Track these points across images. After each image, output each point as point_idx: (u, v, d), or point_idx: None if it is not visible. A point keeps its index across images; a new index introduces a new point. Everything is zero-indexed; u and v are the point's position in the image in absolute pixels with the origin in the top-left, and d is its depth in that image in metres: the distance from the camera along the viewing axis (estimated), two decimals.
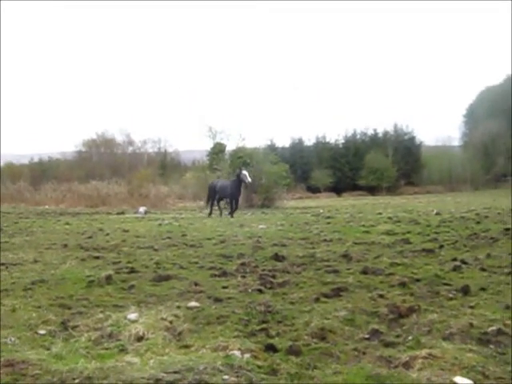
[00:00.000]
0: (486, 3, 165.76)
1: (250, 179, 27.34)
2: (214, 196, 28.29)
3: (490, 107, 77.22)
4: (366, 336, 5.64)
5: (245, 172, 27.27)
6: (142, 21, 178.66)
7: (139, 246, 13.63)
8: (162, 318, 6.22)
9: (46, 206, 39.90)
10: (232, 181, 28.07)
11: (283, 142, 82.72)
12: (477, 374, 4.50)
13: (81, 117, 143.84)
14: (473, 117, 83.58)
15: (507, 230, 14.59)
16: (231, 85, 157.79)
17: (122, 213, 32.04)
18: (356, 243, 13.10)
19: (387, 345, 5.35)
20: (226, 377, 4.46)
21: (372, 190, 72.60)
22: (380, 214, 24.37)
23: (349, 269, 9.52)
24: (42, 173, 64.68)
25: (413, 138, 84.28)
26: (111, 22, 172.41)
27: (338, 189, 73.14)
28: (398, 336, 5.64)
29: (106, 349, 5.39)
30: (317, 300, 7.19)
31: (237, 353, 5.02)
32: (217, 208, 28.68)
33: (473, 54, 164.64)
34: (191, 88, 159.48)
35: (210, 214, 27.75)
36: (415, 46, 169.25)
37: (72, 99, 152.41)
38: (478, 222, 17.69)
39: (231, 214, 26.56)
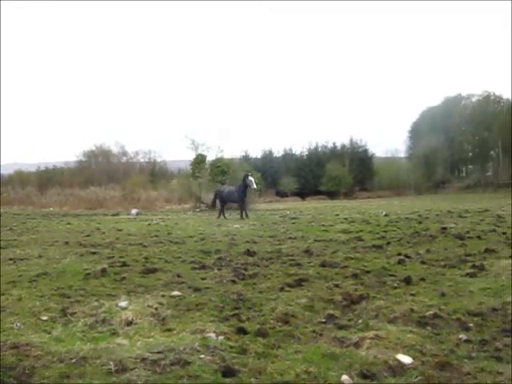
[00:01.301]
0: (427, 33, 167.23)
1: (255, 185, 25.82)
2: (222, 201, 26.57)
3: (431, 124, 77.86)
4: (323, 320, 5.67)
5: (251, 178, 25.49)
6: (132, 36, 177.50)
7: (131, 243, 13.57)
8: (149, 306, 6.22)
9: (51, 209, 39.54)
10: (238, 186, 26.03)
11: (256, 153, 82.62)
12: (416, 352, 4.56)
13: (82, 130, 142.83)
14: (416, 132, 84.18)
15: (444, 229, 14.76)
16: (212, 103, 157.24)
17: (117, 214, 31.78)
18: (316, 240, 13.12)
19: (341, 327, 5.40)
20: (202, 356, 4.48)
21: (331, 195, 72.77)
22: (337, 215, 24.43)
23: (310, 262, 9.55)
24: (47, 179, 63.98)
25: (366, 150, 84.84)
26: (106, 41, 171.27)
27: (302, 193, 73.15)
28: (350, 320, 5.69)
29: (100, 332, 5.40)
30: (282, 289, 7.22)
31: (212, 335, 5.04)
32: (218, 211, 26.75)
33: (416, 77, 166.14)
34: (178, 105, 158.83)
35: (224, 217, 25.38)
36: (366, 71, 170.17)
37: (74, 115, 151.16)
38: (420, 222, 17.83)
39: (241, 215, 24.70)
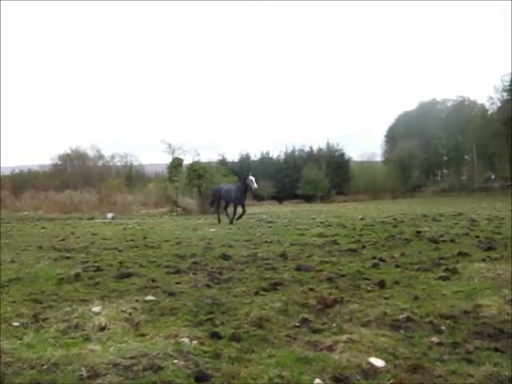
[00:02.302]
0: (403, 38, 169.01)
1: (256, 185, 23.00)
2: (219, 200, 24.56)
3: (407, 129, 78.71)
4: (297, 324, 5.68)
5: (251, 177, 22.81)
6: (107, 37, 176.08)
7: (106, 247, 13.47)
8: (123, 311, 6.17)
9: (25, 212, 38.98)
10: (237, 186, 23.81)
11: (233, 157, 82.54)
12: (388, 355, 4.59)
13: (57, 134, 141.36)
14: (392, 137, 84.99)
15: (418, 232, 14.93)
16: (189, 106, 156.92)
17: (92, 218, 31.54)
18: (292, 244, 13.15)
19: (315, 331, 5.40)
20: (175, 361, 4.47)
21: (308, 199, 72.96)
22: (314, 219, 24.52)
23: (285, 266, 9.58)
24: (22, 183, 63.02)
25: (342, 154, 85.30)
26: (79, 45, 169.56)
27: (279, 197, 73.21)
28: (324, 324, 5.70)
29: (72, 338, 5.33)
30: (256, 293, 7.22)
31: (186, 340, 5.02)
32: (215, 212, 25.07)
33: (392, 82, 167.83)
34: (155, 108, 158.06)
35: (219, 220, 23.54)
36: (343, 76, 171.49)
37: (50, 118, 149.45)
38: (395, 226, 17.98)
39: (232, 220, 22.68)
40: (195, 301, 6.81)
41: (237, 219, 22.57)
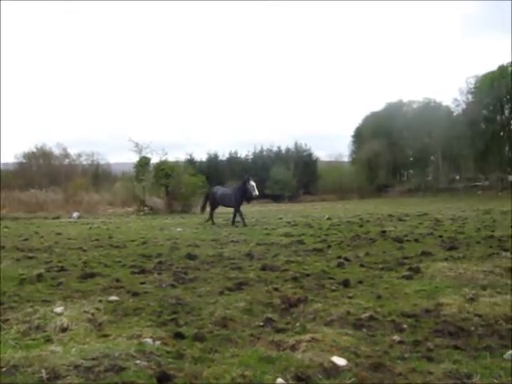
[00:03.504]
0: (371, 38, 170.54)
1: (257, 192, 21.56)
2: (214, 204, 23.13)
3: (374, 129, 79.30)
4: (261, 323, 5.70)
5: (253, 183, 21.32)
6: (73, 33, 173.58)
7: (70, 247, 13.33)
8: (85, 311, 6.11)
9: None
10: (236, 189, 22.32)
11: (201, 156, 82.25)
12: (350, 353, 4.64)
13: (22, 131, 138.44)
14: (359, 137, 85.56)
15: (384, 232, 15.12)
16: (156, 104, 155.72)
17: (57, 217, 31.12)
18: (258, 244, 13.19)
19: (278, 331, 5.42)
20: (138, 361, 4.44)
21: (276, 198, 73.03)
22: (281, 218, 24.64)
23: (251, 266, 9.59)
24: None
25: (310, 155, 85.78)
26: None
27: (247, 197, 73.23)
28: (287, 323, 5.73)
29: (33, 339, 5.24)
30: (221, 293, 7.22)
31: (149, 340, 4.99)
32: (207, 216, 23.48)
33: (360, 82, 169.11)
34: (121, 106, 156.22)
35: (213, 222, 22.39)
36: (311, 76, 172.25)
37: (14, 115, 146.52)
38: (361, 226, 18.20)
39: (233, 221, 21.50)
40: (159, 301, 6.79)
41: (234, 222, 21.37)
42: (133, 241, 14.72)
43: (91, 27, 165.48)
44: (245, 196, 21.83)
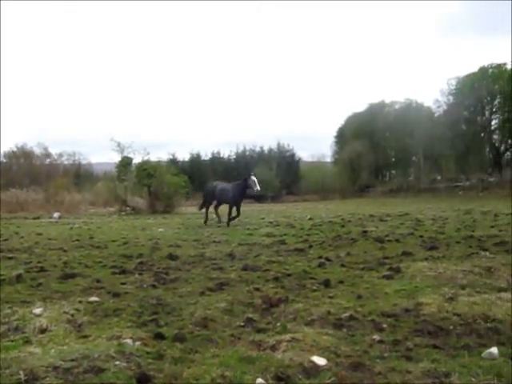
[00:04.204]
0: (354, 39, 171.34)
1: (258, 187, 20.47)
2: (211, 201, 22.10)
3: (356, 130, 79.58)
4: (242, 324, 5.71)
5: (254, 178, 20.29)
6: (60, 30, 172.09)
7: (50, 247, 13.22)
8: (65, 312, 6.09)
9: None
10: (235, 184, 21.19)
11: (183, 156, 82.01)
12: (330, 353, 4.67)
13: (2, 131, 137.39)
14: (342, 137, 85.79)
15: (365, 232, 15.20)
16: (139, 104, 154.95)
17: (38, 218, 30.81)
18: (240, 244, 13.19)
19: (259, 331, 5.44)
20: (117, 362, 4.43)
21: (259, 199, 72.71)
22: (263, 218, 24.64)
23: (232, 266, 9.59)
24: None
25: (293, 155, 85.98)
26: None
27: None
28: (268, 323, 5.75)
29: (12, 341, 5.20)
30: (202, 293, 7.21)
31: (129, 341, 4.98)
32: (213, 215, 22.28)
33: (343, 83, 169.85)
34: (103, 106, 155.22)
35: (206, 221, 21.54)
36: (294, 76, 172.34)
37: None
38: (343, 226, 18.27)
39: (229, 222, 20.45)
40: (140, 301, 6.77)
41: (230, 221, 20.43)
42: (114, 241, 14.64)
43: (74, 26, 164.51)
44: (244, 194, 21.02)
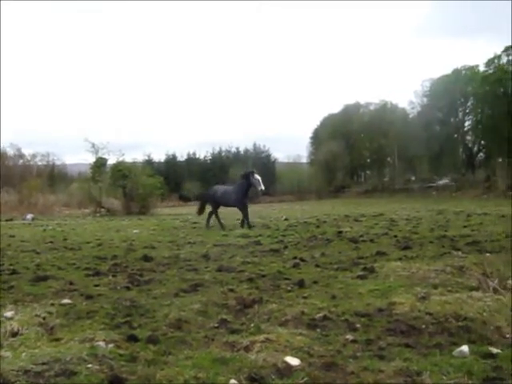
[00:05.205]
0: (329, 40, 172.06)
1: (263, 186, 19.47)
2: (214, 206, 20.57)
3: (332, 131, 79.99)
4: (216, 325, 5.71)
5: (258, 176, 19.35)
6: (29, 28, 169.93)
7: (23, 249, 13.10)
8: (37, 315, 6.02)
9: None
10: (238, 185, 20.06)
11: (159, 157, 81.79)
12: (304, 353, 4.69)
13: None
14: (317, 138, 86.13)
15: (340, 232, 15.31)
16: (114, 105, 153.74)
17: (11, 219, 30.49)
18: (215, 245, 13.19)
19: (233, 332, 5.44)
20: (89, 365, 4.40)
21: None
22: (238, 219, 24.58)
23: (207, 267, 9.60)
24: None
25: (269, 156, 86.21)
26: None
27: None
28: (242, 324, 5.76)
29: None
30: (176, 295, 7.21)
31: (101, 343, 4.95)
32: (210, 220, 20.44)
33: (318, 84, 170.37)
34: (78, 108, 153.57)
35: (208, 225, 19.88)
36: (270, 77, 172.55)
37: None
38: (318, 226, 18.36)
39: (242, 223, 19.39)
40: (113, 303, 6.73)
41: (245, 224, 19.18)
42: (88, 243, 14.56)
43: (54, 26, 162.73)
44: (248, 193, 19.94)
